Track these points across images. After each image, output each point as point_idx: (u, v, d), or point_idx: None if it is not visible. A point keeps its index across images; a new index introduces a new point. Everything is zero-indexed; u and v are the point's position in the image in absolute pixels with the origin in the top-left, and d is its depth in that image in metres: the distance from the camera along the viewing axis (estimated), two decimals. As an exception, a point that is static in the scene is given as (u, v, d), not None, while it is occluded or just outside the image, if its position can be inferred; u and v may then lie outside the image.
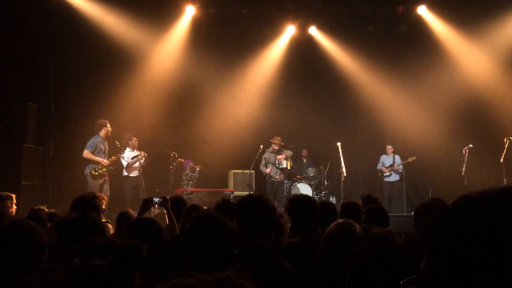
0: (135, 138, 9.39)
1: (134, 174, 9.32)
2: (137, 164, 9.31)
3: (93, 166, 8.55)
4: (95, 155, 8.59)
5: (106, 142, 8.84)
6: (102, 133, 8.71)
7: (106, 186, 8.61)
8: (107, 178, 8.71)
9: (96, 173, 8.49)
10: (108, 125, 8.76)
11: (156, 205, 4.28)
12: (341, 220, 2.37)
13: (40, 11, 9.16)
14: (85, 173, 8.60)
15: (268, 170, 10.65)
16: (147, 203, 4.20)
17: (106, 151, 8.82)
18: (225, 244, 2.12)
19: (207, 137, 10.97)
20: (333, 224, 2.32)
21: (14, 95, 8.59)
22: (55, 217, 4.42)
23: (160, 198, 4.15)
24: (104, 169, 8.59)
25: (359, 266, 1.58)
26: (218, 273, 0.85)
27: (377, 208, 3.85)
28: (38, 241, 1.79)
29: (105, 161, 8.62)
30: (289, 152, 10.82)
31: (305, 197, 3.26)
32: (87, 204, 3.72)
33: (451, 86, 10.58)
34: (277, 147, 10.72)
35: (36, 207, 4.58)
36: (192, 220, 2.18)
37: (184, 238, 2.15)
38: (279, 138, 10.81)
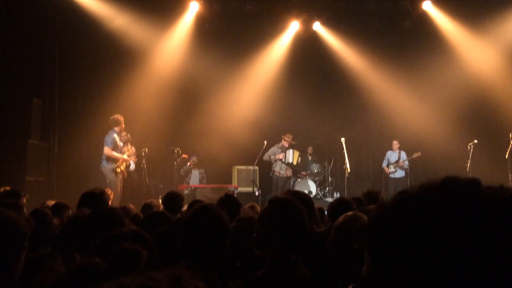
0: (125, 133, 9.26)
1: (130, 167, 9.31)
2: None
3: (113, 163, 8.53)
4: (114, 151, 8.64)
5: (120, 138, 8.87)
6: (118, 128, 8.69)
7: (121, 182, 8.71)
8: (124, 176, 8.79)
9: (119, 170, 8.54)
10: (122, 123, 8.74)
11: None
12: (349, 213, 2.36)
13: (45, 7, 9.17)
14: (104, 169, 8.57)
15: (281, 156, 10.58)
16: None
17: (121, 147, 8.84)
18: (220, 236, 2.14)
19: (211, 133, 10.97)
20: (341, 216, 2.31)
21: (19, 91, 8.61)
22: (63, 207, 4.45)
23: None
24: (123, 167, 8.65)
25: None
26: (171, 272, 0.83)
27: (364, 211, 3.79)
28: (18, 229, 1.80)
29: (126, 158, 8.69)
30: (290, 156, 10.73)
31: (296, 193, 3.25)
32: (96, 199, 3.72)
33: (456, 81, 10.53)
34: (287, 144, 10.72)
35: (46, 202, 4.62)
36: (192, 210, 2.22)
37: (182, 226, 2.19)
38: (290, 136, 10.81)
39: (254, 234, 2.44)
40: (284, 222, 2.26)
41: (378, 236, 0.79)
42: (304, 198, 3.24)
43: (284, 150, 10.72)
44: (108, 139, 8.53)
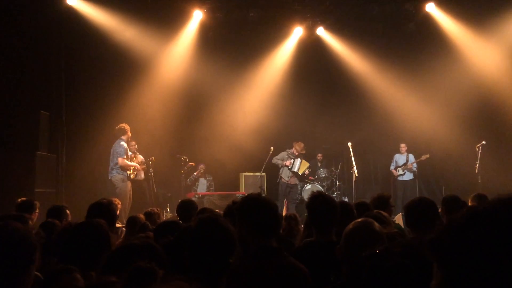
0: (133, 142, 9.36)
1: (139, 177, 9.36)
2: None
3: (123, 172, 8.67)
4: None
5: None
6: (125, 137, 8.80)
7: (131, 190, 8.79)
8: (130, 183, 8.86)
9: (134, 176, 8.74)
10: (128, 132, 8.85)
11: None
12: (360, 219, 2.35)
13: (51, 19, 9.26)
14: (114, 178, 8.65)
15: (288, 163, 10.60)
16: None
17: (130, 156, 8.95)
18: (227, 249, 2.09)
19: (217, 140, 10.99)
20: (352, 223, 2.30)
21: (26, 103, 8.67)
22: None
23: None
24: (134, 174, 8.79)
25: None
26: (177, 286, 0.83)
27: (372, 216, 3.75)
28: (27, 242, 1.79)
29: (138, 166, 8.83)
30: (297, 165, 10.72)
31: (324, 196, 3.19)
32: (104, 210, 3.71)
33: (462, 82, 10.48)
34: (296, 153, 10.72)
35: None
36: (198, 223, 2.17)
37: (188, 239, 2.14)
38: (302, 144, 10.78)
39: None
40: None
41: (452, 251, 0.82)
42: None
43: (293, 157, 10.72)
44: (119, 149, 8.64)
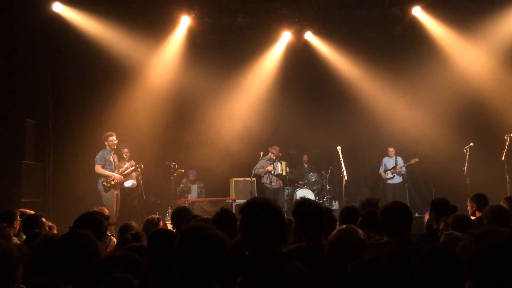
0: (126, 150, 9.34)
1: (128, 184, 9.28)
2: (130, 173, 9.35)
3: (103, 178, 8.54)
4: (105, 169, 8.58)
5: (114, 154, 8.81)
6: (108, 145, 8.69)
7: (115, 202, 8.50)
8: (117, 192, 8.65)
9: (108, 184, 8.49)
10: (111, 137, 8.70)
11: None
12: (343, 226, 2.33)
13: (36, 27, 9.18)
14: (99, 188, 8.57)
15: (270, 168, 10.63)
16: None
17: (116, 164, 8.79)
18: (215, 258, 1.98)
19: (207, 146, 10.95)
20: (335, 231, 2.27)
21: (12, 111, 8.57)
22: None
23: None
24: (114, 182, 8.58)
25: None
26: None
27: (373, 212, 3.78)
28: (7, 258, 1.73)
29: (117, 176, 8.62)
30: (279, 167, 10.75)
31: (310, 202, 3.17)
32: (91, 220, 3.60)
33: (449, 85, 10.57)
34: (274, 156, 10.76)
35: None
36: (181, 234, 2.05)
37: (173, 254, 2.02)
38: (277, 148, 10.84)
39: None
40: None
41: (491, 269, 0.92)
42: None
43: (272, 162, 10.77)
44: (97, 156, 8.58)
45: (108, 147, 8.69)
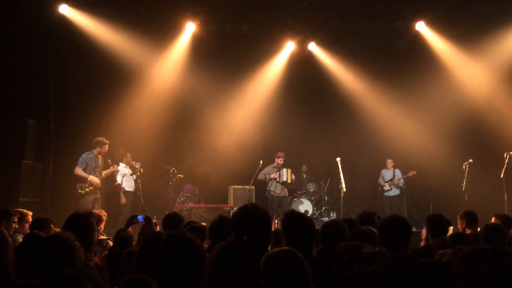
0: (129, 154, 9.36)
1: (128, 188, 9.25)
2: (133, 177, 9.34)
3: (80, 184, 8.40)
4: (87, 172, 8.45)
5: (99, 159, 8.69)
6: (96, 151, 8.60)
7: (97, 205, 8.30)
8: (98, 196, 8.52)
9: (82, 191, 8.33)
10: (106, 146, 8.64)
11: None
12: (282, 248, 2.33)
13: (41, 28, 9.23)
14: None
15: (273, 175, 10.57)
16: (132, 220, 4.45)
17: (99, 168, 8.67)
18: (195, 265, 2.11)
19: (207, 153, 10.96)
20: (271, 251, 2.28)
21: (14, 111, 8.60)
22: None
23: (143, 216, 4.37)
24: (91, 187, 8.40)
25: None
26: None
27: (361, 231, 3.69)
28: None
29: (94, 179, 8.42)
30: (284, 175, 10.71)
31: (297, 214, 3.17)
32: (80, 221, 3.47)
33: (450, 101, 10.60)
34: (281, 162, 10.72)
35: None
36: (163, 240, 2.18)
37: (155, 257, 2.15)
38: (283, 153, 10.81)
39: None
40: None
41: None
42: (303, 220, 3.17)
43: (278, 169, 10.73)
44: (80, 159, 8.49)
45: (95, 152, 8.58)
